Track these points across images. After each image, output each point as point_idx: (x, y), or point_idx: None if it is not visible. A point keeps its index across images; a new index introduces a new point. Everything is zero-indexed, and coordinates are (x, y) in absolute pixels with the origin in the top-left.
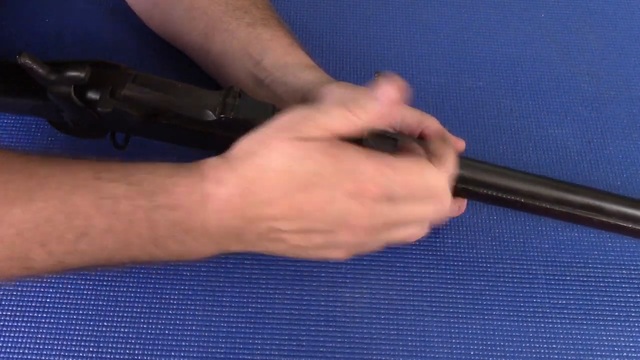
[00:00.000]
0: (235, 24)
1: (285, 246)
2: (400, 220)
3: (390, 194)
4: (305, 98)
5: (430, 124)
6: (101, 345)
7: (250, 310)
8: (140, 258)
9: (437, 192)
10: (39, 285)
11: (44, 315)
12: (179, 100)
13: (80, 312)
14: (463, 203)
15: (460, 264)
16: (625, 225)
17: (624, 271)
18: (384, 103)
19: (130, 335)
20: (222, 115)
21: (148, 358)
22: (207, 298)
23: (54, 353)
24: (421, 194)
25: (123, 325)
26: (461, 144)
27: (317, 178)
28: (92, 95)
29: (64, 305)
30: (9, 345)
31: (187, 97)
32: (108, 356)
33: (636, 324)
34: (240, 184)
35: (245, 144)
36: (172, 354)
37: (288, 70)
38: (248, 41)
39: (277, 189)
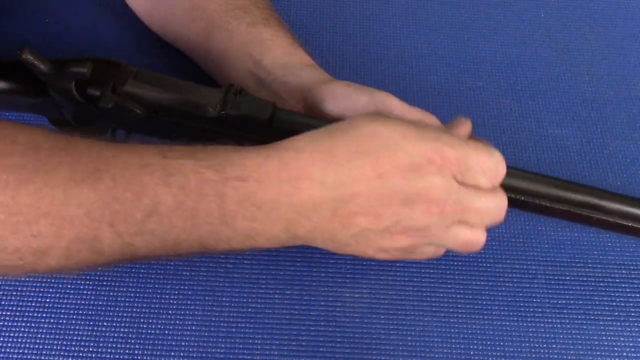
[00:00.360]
0: (236, 24)
1: (357, 230)
2: (469, 208)
3: (466, 169)
4: (305, 97)
5: (431, 122)
6: (101, 345)
7: (250, 310)
8: (208, 242)
9: (500, 178)
10: (38, 285)
11: (44, 315)
12: (180, 96)
13: (80, 312)
14: None
15: (460, 264)
16: (625, 223)
17: (623, 271)
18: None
19: (130, 335)
20: (222, 112)
21: (148, 358)
22: (206, 298)
23: (53, 353)
24: (491, 177)
25: (123, 325)
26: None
27: (401, 139)
28: (93, 91)
29: (64, 305)
30: (9, 345)
31: (188, 94)
32: (108, 356)
33: (636, 324)
34: (322, 150)
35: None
36: (172, 354)
37: (288, 69)
38: (248, 40)
39: (360, 151)
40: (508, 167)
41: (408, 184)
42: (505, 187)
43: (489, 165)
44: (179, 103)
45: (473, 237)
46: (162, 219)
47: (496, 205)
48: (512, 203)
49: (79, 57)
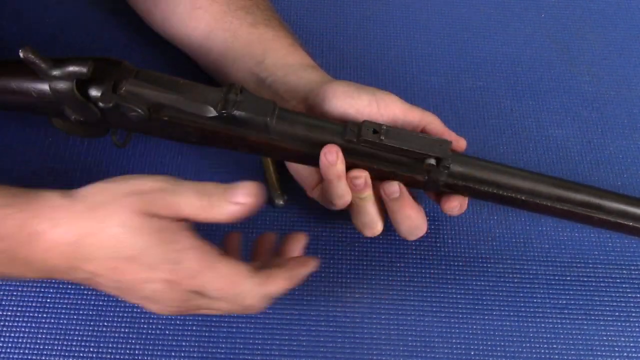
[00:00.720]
0: (237, 24)
1: (104, 291)
2: (207, 308)
3: (204, 292)
4: (306, 97)
5: (432, 121)
6: (101, 345)
7: None
8: None
9: (245, 304)
10: (39, 285)
11: (44, 315)
12: (181, 95)
13: (81, 312)
14: (464, 202)
15: (460, 264)
16: (625, 223)
17: (624, 271)
18: (240, 209)
19: (130, 335)
20: (223, 111)
21: (148, 358)
22: None
23: (54, 353)
24: (231, 300)
25: (123, 325)
26: (462, 143)
27: (141, 256)
28: (94, 90)
29: (64, 305)
30: (9, 345)
31: (189, 93)
32: (108, 356)
33: (637, 324)
34: (74, 233)
35: (94, 193)
36: (172, 354)
37: (290, 70)
38: (250, 41)
39: (103, 251)
40: (508, 166)
41: (142, 292)
42: (506, 186)
43: (231, 295)
44: (180, 102)
45: (219, 310)
46: None
47: (239, 309)
48: (513, 203)
49: (80, 56)
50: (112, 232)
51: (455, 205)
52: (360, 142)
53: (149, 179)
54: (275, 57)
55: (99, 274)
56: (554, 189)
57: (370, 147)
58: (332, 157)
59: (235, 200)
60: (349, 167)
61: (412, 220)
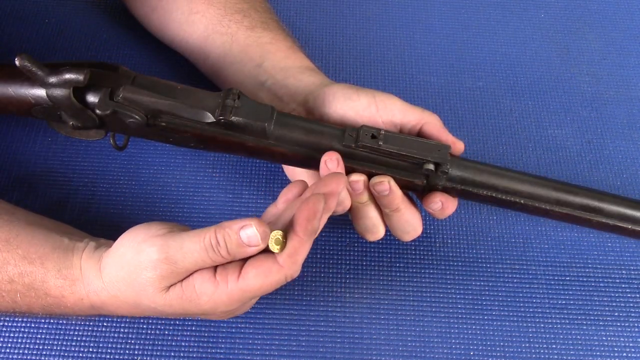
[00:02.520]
0: (235, 28)
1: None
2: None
3: (247, 300)
4: (306, 100)
5: (431, 121)
6: (101, 345)
7: (250, 310)
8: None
9: (279, 283)
10: None
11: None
12: (178, 102)
13: None
14: (448, 202)
15: (460, 264)
16: (624, 226)
17: (623, 272)
18: (250, 252)
19: (130, 336)
20: (221, 117)
21: (148, 358)
22: None
23: (53, 353)
24: (271, 289)
25: (123, 325)
26: (460, 146)
27: (179, 311)
28: (91, 97)
29: None
30: (9, 345)
31: (187, 99)
32: (108, 356)
33: (636, 325)
34: (120, 308)
35: (121, 275)
36: (172, 354)
37: (288, 72)
38: (248, 44)
39: (147, 310)
40: (507, 169)
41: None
42: (504, 190)
43: (267, 289)
44: (177, 109)
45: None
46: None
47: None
48: (512, 206)
49: (77, 61)
50: (147, 306)
51: (436, 201)
52: (359, 147)
53: (150, 249)
54: (274, 60)
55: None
56: (552, 192)
57: (369, 152)
58: (333, 165)
59: (253, 243)
60: (347, 172)
61: (407, 220)
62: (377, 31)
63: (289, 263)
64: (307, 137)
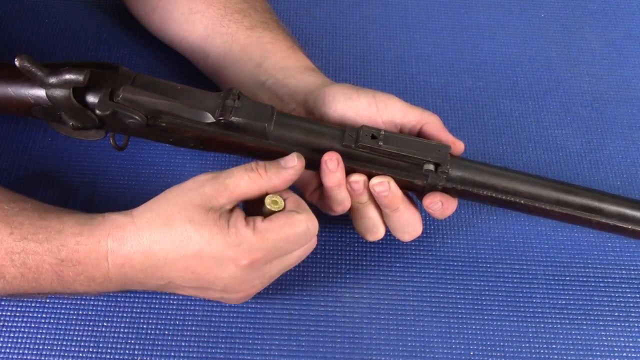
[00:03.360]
0: (235, 27)
1: (185, 293)
2: (288, 266)
3: (278, 253)
4: (306, 99)
5: (431, 121)
6: (101, 345)
7: (249, 310)
8: (54, 293)
9: (310, 232)
10: None
11: (44, 315)
12: (178, 102)
13: (80, 312)
14: (447, 201)
15: (459, 264)
16: (624, 226)
17: (623, 272)
18: (289, 173)
19: (131, 336)
20: (221, 118)
21: (148, 358)
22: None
23: (53, 353)
24: (300, 240)
25: (123, 325)
26: (460, 146)
27: (206, 248)
28: (91, 97)
29: (64, 306)
30: (9, 345)
31: (187, 99)
32: (108, 356)
33: (636, 325)
34: (142, 244)
35: (152, 207)
36: (172, 354)
37: (288, 72)
38: (248, 44)
39: (171, 253)
40: (507, 170)
41: (221, 281)
42: (504, 190)
43: (297, 235)
44: (177, 109)
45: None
46: (9, 283)
47: (308, 247)
48: (512, 206)
49: (77, 62)
50: (179, 231)
51: (436, 201)
52: (359, 147)
53: (195, 179)
54: (274, 60)
55: (174, 276)
56: (553, 192)
57: (369, 153)
58: (333, 165)
59: (290, 165)
60: (347, 172)
61: (407, 220)
62: (377, 31)
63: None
64: (307, 137)
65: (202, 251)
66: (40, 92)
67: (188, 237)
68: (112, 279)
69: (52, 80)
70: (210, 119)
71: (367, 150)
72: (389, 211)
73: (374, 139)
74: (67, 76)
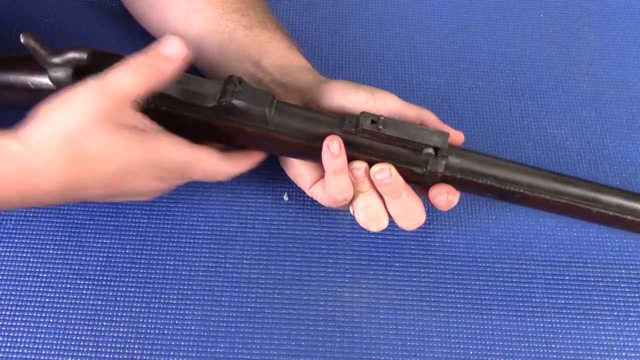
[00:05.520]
0: (233, 26)
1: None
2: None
3: (189, 178)
4: (303, 96)
5: (428, 117)
6: (100, 345)
7: (249, 310)
8: None
9: (215, 179)
10: (38, 285)
11: (43, 315)
12: (180, 86)
13: (80, 312)
14: (453, 192)
15: (459, 263)
16: (624, 217)
17: (622, 271)
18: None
19: (130, 335)
20: (222, 100)
21: (147, 358)
22: (206, 298)
23: (53, 353)
24: (207, 178)
25: (122, 325)
26: (460, 136)
27: (132, 166)
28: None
29: (63, 305)
30: (8, 345)
31: (188, 84)
32: (107, 356)
33: (635, 324)
34: (60, 178)
35: (63, 122)
36: (172, 354)
37: (286, 71)
38: (245, 43)
39: (91, 173)
40: (505, 160)
41: (136, 192)
42: (504, 179)
43: (210, 176)
44: (179, 92)
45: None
46: None
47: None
48: (511, 196)
49: (80, 45)
50: (92, 156)
51: (442, 192)
52: (359, 132)
53: (80, 93)
54: (272, 59)
55: (91, 194)
56: (552, 182)
57: (369, 138)
58: (335, 148)
59: (170, 46)
60: (348, 160)
61: (410, 207)
62: (377, 31)
63: None
64: (306, 124)
65: (127, 173)
66: (41, 79)
67: (108, 159)
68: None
69: (55, 59)
70: (211, 102)
71: (367, 135)
72: (392, 198)
73: (374, 124)
74: (70, 54)
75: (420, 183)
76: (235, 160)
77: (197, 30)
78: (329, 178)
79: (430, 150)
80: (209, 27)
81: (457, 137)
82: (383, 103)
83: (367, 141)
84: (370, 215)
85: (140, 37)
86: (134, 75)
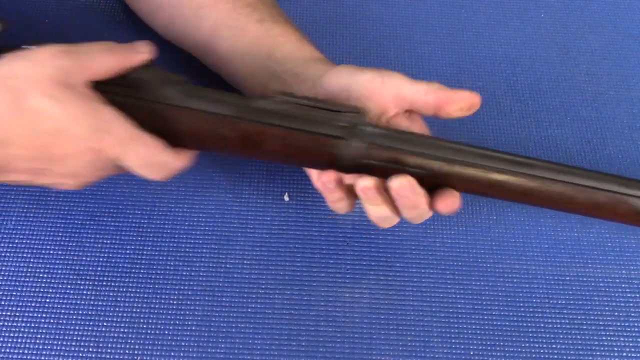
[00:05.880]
0: (245, 21)
1: (14, 179)
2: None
3: (124, 161)
4: (315, 85)
5: (438, 87)
6: (101, 345)
7: (249, 310)
8: None
9: (155, 175)
10: (38, 285)
11: (44, 315)
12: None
13: (80, 312)
14: (456, 199)
15: (459, 264)
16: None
17: (623, 271)
18: (145, 57)
19: (130, 335)
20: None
21: (148, 358)
22: (206, 298)
23: (53, 353)
24: (146, 169)
25: (123, 325)
26: (476, 99)
27: (69, 129)
28: None
29: (64, 306)
30: (8, 345)
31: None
32: (108, 356)
33: (636, 324)
34: None
35: (13, 70)
36: (172, 354)
37: (299, 62)
38: (258, 36)
39: (25, 129)
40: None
41: (66, 167)
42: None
43: (149, 165)
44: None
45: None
46: None
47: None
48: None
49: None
50: (34, 107)
51: (455, 200)
52: (272, 101)
53: (44, 50)
54: (284, 51)
55: (18, 155)
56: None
57: (283, 104)
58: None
59: (142, 50)
60: (264, 133)
61: (424, 210)
62: (377, 31)
63: None
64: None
65: (62, 132)
66: None
67: (46, 115)
68: None
69: None
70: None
71: (279, 103)
72: (409, 210)
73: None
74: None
75: (339, 163)
76: (177, 153)
77: (208, 25)
78: (331, 206)
79: (348, 117)
80: (220, 21)
81: (473, 99)
82: (391, 80)
83: (281, 109)
84: (381, 217)
85: (142, 37)
86: (107, 52)
